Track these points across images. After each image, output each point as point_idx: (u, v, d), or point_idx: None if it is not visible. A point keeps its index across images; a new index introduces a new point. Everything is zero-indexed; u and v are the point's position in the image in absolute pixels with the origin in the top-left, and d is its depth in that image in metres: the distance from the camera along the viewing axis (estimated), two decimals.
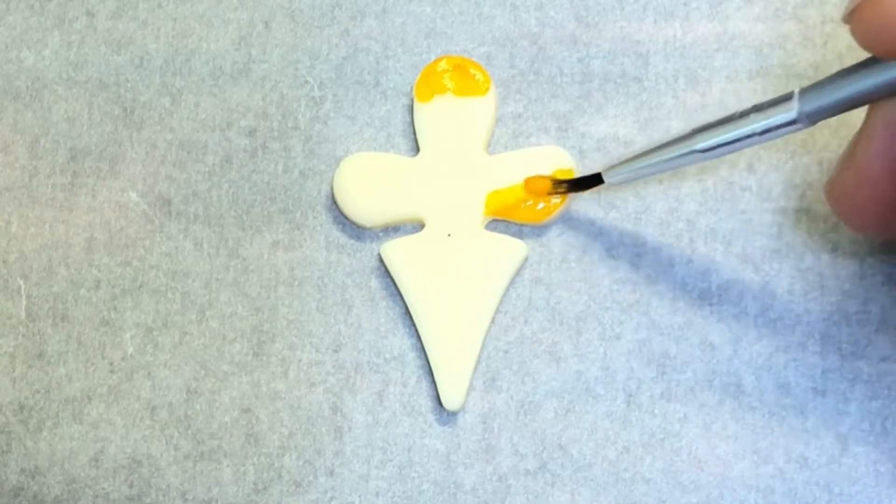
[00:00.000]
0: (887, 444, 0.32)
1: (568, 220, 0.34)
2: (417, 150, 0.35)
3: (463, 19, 0.36)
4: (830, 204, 0.28)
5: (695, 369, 0.33)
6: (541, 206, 0.34)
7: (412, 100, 0.35)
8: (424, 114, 0.35)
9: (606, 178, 0.32)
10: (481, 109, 0.35)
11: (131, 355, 0.35)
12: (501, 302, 0.34)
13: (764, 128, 0.27)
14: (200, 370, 0.35)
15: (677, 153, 0.30)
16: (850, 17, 0.24)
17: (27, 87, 0.38)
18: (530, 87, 0.35)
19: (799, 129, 0.27)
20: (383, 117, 0.36)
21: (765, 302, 0.33)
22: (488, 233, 0.34)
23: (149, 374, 0.35)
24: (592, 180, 0.32)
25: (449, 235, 0.34)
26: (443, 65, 0.35)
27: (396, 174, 0.35)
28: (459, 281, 0.34)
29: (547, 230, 0.34)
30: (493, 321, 0.34)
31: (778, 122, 0.27)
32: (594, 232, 0.34)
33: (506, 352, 0.34)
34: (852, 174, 0.27)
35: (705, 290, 0.33)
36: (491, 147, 0.35)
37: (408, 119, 0.36)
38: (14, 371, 0.36)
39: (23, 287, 0.36)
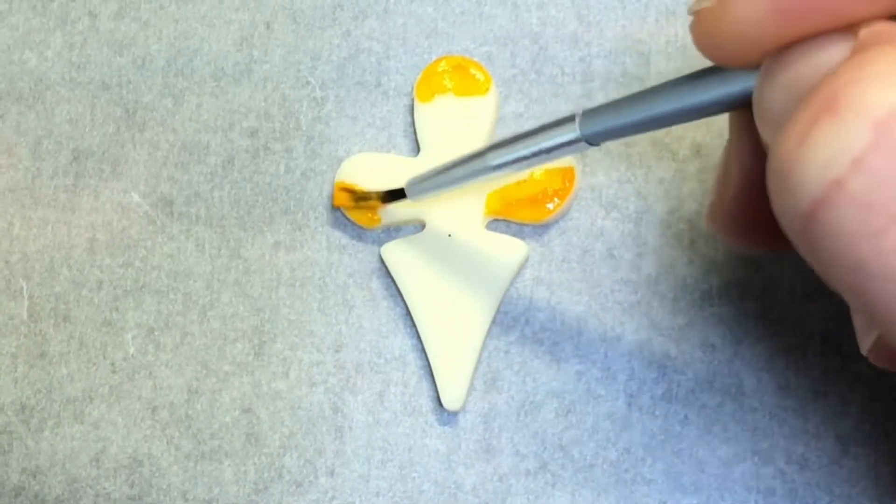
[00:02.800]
0: (888, 446, 0.31)
1: (569, 220, 0.34)
2: (418, 150, 0.35)
3: (464, 19, 0.36)
4: (710, 228, 0.27)
5: (696, 370, 0.33)
6: (550, 205, 0.34)
7: (413, 100, 0.35)
8: (425, 114, 0.35)
9: (409, 193, 0.33)
10: (482, 109, 0.35)
11: (133, 355, 0.36)
12: (502, 302, 0.34)
13: (550, 146, 0.27)
14: (202, 370, 0.35)
15: (472, 169, 0.30)
16: (693, 25, 0.23)
17: (30, 89, 0.38)
18: (531, 87, 0.35)
19: (584, 149, 0.27)
20: (385, 118, 0.36)
21: (766, 303, 0.33)
22: (489, 233, 0.34)
23: (150, 374, 0.35)
24: (396, 194, 0.33)
25: (449, 235, 0.34)
26: (443, 65, 0.35)
27: (397, 174, 0.35)
28: (460, 281, 0.34)
29: (547, 230, 0.34)
30: (493, 321, 0.34)
31: (561, 142, 0.27)
32: (595, 232, 0.34)
33: (506, 352, 0.34)
34: (721, 195, 0.26)
35: (706, 291, 0.33)
36: None
37: (409, 119, 0.36)
38: (16, 371, 0.36)
39: (25, 287, 0.36)
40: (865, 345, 0.26)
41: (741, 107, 0.23)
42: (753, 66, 0.21)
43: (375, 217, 0.35)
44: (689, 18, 0.22)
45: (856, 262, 0.17)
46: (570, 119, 0.26)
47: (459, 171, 0.31)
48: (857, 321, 0.26)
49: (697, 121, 0.34)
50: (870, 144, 0.17)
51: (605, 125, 0.25)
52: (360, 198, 0.34)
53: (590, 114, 0.26)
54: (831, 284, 0.19)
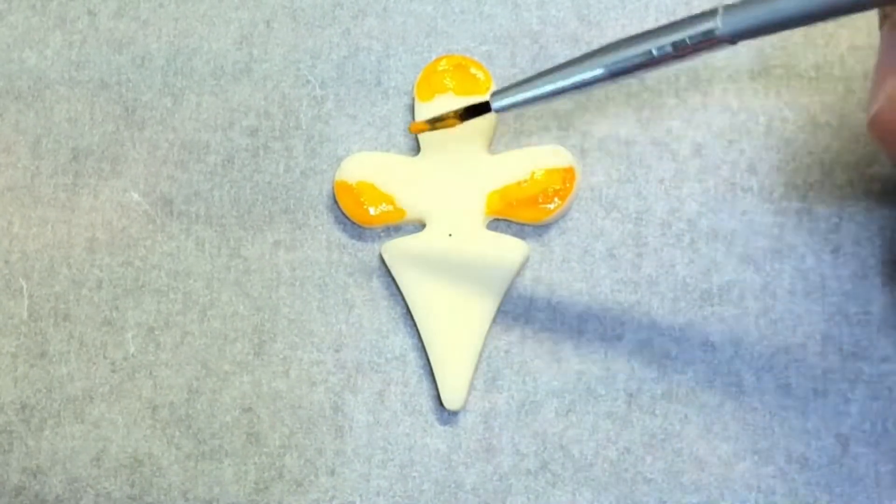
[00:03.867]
0: (888, 445, 0.32)
1: (569, 220, 0.34)
2: (418, 149, 0.35)
3: (464, 18, 0.36)
4: (876, 139, 0.26)
5: (696, 370, 0.33)
6: (550, 205, 0.34)
7: (413, 99, 0.35)
8: (425, 113, 0.35)
9: (494, 103, 0.29)
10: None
11: (133, 355, 0.36)
12: (502, 302, 0.34)
13: (681, 38, 0.25)
14: (202, 370, 0.35)
15: (582, 74, 0.27)
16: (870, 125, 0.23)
17: (29, 88, 0.38)
18: None
19: (720, 48, 0.25)
20: (385, 117, 0.36)
21: (766, 302, 0.33)
22: (489, 232, 0.34)
23: (150, 373, 0.35)
24: (479, 109, 0.30)
25: (450, 235, 0.34)
26: (443, 64, 0.35)
27: (397, 174, 0.35)
28: (460, 280, 0.34)
29: (548, 230, 0.34)
30: (494, 321, 0.34)
31: (697, 33, 0.25)
32: (595, 232, 0.34)
33: (507, 351, 0.34)
34: (886, 100, 0.25)
35: (706, 291, 0.33)
36: (492, 146, 0.35)
37: (409, 118, 0.36)
38: (16, 370, 0.36)
39: (25, 287, 0.36)
40: (869, 114, 0.25)
41: None
42: None
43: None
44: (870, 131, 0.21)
45: None
46: (709, 14, 0.25)
47: (563, 76, 0.28)
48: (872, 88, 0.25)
49: (699, 120, 0.34)
50: None
51: (753, 19, 0.24)
52: (436, 119, 0.32)
53: (733, 8, 0.24)
54: None
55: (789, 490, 0.32)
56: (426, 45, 0.36)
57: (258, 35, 0.37)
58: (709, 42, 0.25)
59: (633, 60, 0.26)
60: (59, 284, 0.36)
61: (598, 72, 0.27)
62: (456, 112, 0.31)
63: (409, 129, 0.33)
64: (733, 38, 0.25)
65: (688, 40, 0.25)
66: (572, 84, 0.28)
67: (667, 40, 0.26)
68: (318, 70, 0.37)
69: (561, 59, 0.35)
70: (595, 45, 0.35)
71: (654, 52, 0.26)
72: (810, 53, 0.34)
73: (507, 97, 0.29)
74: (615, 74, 0.27)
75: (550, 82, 0.28)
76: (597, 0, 0.36)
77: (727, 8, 0.25)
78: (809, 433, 0.32)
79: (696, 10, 0.34)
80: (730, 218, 0.33)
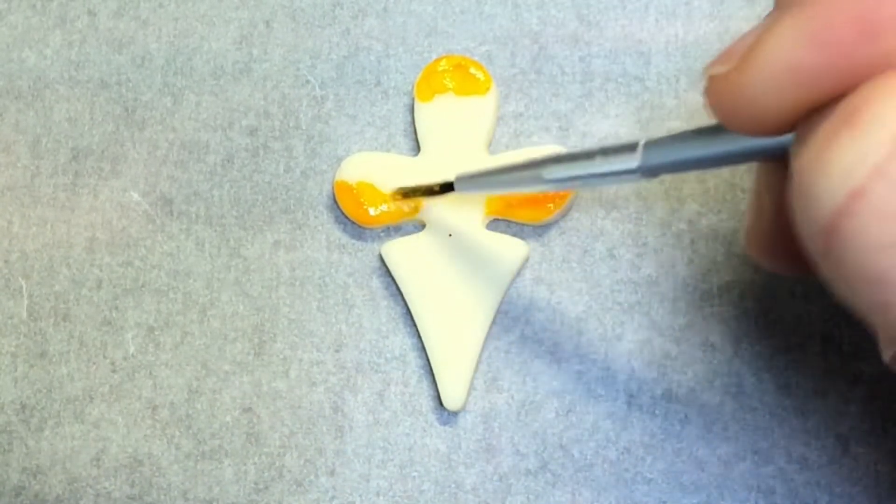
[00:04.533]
0: (888, 445, 0.32)
1: (569, 220, 0.34)
2: (418, 149, 0.35)
3: (464, 18, 0.36)
4: (748, 253, 0.27)
5: (696, 370, 0.33)
6: (550, 205, 0.34)
7: (413, 99, 0.35)
8: (425, 113, 0.35)
9: (457, 186, 0.32)
10: (482, 109, 0.35)
11: (133, 355, 0.36)
12: (502, 302, 0.34)
13: (605, 171, 0.26)
14: (202, 370, 0.35)
15: (525, 179, 0.29)
16: (707, 91, 0.22)
17: (29, 87, 0.38)
18: (531, 87, 0.35)
19: (639, 180, 0.26)
20: (384, 117, 0.36)
21: (766, 303, 0.33)
22: (489, 232, 0.34)
23: (150, 373, 0.35)
24: (445, 188, 0.32)
25: (450, 235, 0.34)
26: (443, 64, 0.35)
27: (397, 174, 0.35)
28: (460, 281, 0.34)
29: (548, 230, 0.34)
30: (493, 321, 0.34)
31: (618, 169, 0.26)
32: (595, 232, 0.34)
33: (507, 352, 0.34)
34: (756, 222, 0.26)
35: (706, 291, 0.33)
36: (492, 147, 0.35)
37: (409, 118, 0.36)
38: (16, 370, 0.36)
39: (24, 287, 0.36)
40: (887, 355, 0.26)
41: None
42: (772, 134, 0.20)
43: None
44: (702, 81, 0.22)
45: (878, 274, 0.17)
46: (631, 146, 0.25)
47: (511, 177, 0.30)
48: (881, 334, 0.26)
49: (699, 121, 0.34)
50: (890, 154, 0.17)
51: (668, 157, 0.24)
52: (408, 192, 0.34)
53: (656, 143, 0.25)
54: (854, 306, 0.18)
55: (789, 490, 0.32)
56: (426, 46, 0.36)
57: (258, 35, 0.37)
58: (630, 175, 0.26)
59: (565, 177, 0.28)
60: (59, 284, 0.36)
61: (539, 186, 0.29)
62: (426, 188, 0.33)
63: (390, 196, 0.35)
64: (651, 174, 0.25)
65: (610, 175, 0.26)
66: (517, 186, 0.30)
67: (590, 170, 0.27)
68: (317, 70, 0.37)
69: (560, 60, 0.35)
70: (595, 46, 0.35)
71: (585, 176, 0.27)
72: None
73: (467, 184, 0.32)
74: (551, 184, 0.28)
75: (501, 181, 0.30)
76: (597, 1, 0.36)
77: (648, 144, 0.25)
78: (809, 433, 0.32)
79: (696, 13, 0.35)
80: (730, 218, 0.33)
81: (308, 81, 0.37)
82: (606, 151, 0.26)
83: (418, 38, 0.36)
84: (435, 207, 0.34)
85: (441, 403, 0.33)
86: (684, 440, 0.33)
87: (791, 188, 0.19)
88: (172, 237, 0.36)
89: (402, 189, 0.34)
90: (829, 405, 0.32)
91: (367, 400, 0.34)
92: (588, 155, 0.27)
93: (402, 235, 0.35)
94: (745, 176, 0.34)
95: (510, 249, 0.34)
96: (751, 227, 0.26)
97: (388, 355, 0.34)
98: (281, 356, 0.35)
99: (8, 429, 0.36)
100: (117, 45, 0.38)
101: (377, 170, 0.35)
